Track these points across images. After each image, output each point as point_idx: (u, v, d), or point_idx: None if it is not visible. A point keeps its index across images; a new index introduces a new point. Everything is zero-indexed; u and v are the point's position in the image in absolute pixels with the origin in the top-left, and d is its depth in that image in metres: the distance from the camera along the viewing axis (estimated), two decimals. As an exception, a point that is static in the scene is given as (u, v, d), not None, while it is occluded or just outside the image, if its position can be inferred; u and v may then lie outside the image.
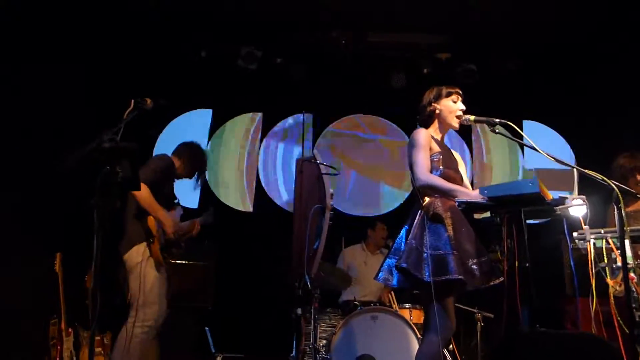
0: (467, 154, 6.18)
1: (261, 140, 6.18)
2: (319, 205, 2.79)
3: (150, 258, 3.48)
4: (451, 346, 4.39)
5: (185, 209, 5.26)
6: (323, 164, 2.90)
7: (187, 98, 6.04)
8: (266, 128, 6.22)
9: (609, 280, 2.79)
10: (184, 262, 4.83)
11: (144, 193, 3.42)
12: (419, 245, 2.60)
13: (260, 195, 6.01)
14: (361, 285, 4.90)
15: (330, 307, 4.44)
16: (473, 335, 4.61)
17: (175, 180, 3.98)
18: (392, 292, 4.49)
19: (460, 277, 2.51)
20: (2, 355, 4.02)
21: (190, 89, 5.97)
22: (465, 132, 6.20)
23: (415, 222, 2.69)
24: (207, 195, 5.89)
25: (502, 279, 2.67)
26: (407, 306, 4.32)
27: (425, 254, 2.56)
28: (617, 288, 3.00)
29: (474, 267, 2.64)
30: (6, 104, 4.27)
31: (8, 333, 4.08)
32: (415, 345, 3.74)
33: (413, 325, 3.88)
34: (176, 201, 3.87)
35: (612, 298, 2.77)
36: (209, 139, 6.14)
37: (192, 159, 3.93)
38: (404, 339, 3.84)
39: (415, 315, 4.20)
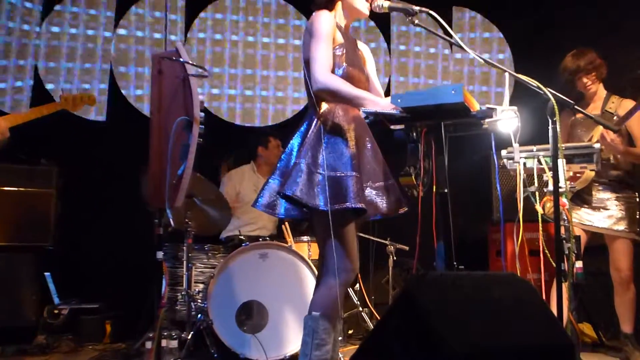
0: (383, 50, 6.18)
1: (115, 27, 5.77)
2: (185, 117, 2.64)
3: None
4: (358, 285, 4.58)
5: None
6: (189, 63, 2.72)
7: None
8: (121, 12, 5.78)
9: (537, 207, 2.96)
10: (13, 188, 4.68)
11: None
12: (313, 164, 2.56)
13: (117, 101, 5.69)
14: (251, 216, 4.89)
15: (210, 244, 4.43)
16: (384, 270, 4.82)
17: None
18: (287, 223, 4.52)
19: (361, 205, 2.51)
20: None
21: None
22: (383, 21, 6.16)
23: (308, 135, 2.63)
24: (41, 96, 5.45)
25: (406, 208, 2.74)
26: (304, 239, 4.39)
27: (321, 176, 2.54)
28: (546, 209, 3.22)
29: (378, 192, 2.67)
30: None
31: None
32: (313, 288, 3.83)
33: (311, 263, 3.96)
34: None
35: (540, 226, 2.96)
36: (41, 24, 5.60)
37: None
38: (299, 281, 3.94)
39: (314, 251, 4.28)
